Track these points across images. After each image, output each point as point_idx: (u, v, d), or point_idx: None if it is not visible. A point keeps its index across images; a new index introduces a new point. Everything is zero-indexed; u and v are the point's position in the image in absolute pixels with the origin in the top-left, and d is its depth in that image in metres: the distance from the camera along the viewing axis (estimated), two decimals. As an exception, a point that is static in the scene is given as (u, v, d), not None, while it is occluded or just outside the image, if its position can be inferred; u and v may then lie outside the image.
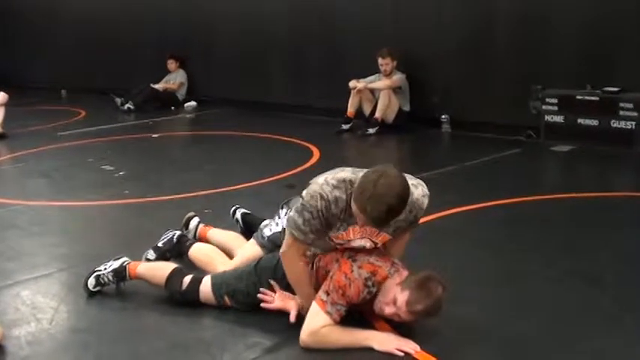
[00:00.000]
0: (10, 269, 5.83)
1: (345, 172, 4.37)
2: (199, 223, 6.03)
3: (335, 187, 4.30)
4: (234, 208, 6.43)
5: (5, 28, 19.81)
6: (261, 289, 4.63)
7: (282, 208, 5.44)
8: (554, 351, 4.25)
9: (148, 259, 5.62)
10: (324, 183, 4.33)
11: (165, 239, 5.75)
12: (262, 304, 4.56)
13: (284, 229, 4.84)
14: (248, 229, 6.09)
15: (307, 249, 4.57)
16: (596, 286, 5.15)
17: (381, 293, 4.35)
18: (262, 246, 5.35)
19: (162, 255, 5.61)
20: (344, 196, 4.30)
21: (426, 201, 4.47)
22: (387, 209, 4.01)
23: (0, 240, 6.66)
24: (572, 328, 4.54)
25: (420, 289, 4.21)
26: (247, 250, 5.39)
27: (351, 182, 4.28)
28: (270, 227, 5.42)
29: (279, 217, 5.37)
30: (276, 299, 4.59)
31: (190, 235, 5.95)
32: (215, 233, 5.91)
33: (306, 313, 4.41)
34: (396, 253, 4.71)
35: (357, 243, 4.52)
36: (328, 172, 4.45)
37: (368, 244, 4.54)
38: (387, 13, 11.83)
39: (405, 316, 4.28)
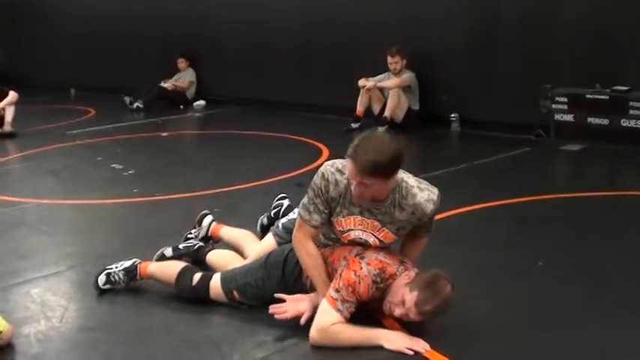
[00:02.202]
0: (20, 267, 5.84)
1: None
2: (212, 221, 6.03)
3: (338, 170, 4.44)
4: (283, 195, 6.39)
5: (15, 27, 19.84)
6: (272, 306, 4.60)
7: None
8: (562, 348, 4.25)
9: (164, 255, 5.62)
10: (330, 165, 4.49)
11: (188, 245, 5.74)
12: (276, 317, 4.53)
13: None
14: (277, 217, 6.07)
15: (317, 234, 4.59)
16: (605, 284, 5.14)
17: (390, 294, 4.35)
18: (276, 234, 5.36)
19: (178, 257, 5.60)
20: (344, 182, 4.40)
21: (430, 206, 4.46)
22: (376, 153, 4.13)
23: (10, 238, 6.68)
24: (580, 326, 4.54)
25: (428, 289, 4.21)
26: (264, 244, 5.39)
27: None
28: (288, 216, 5.45)
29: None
30: (288, 307, 4.56)
31: (203, 232, 5.95)
32: (227, 231, 5.91)
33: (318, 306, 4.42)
34: (410, 255, 4.71)
35: (358, 234, 4.53)
36: (342, 159, 4.49)
37: (371, 239, 4.54)
38: (396, 11, 11.80)
39: (415, 316, 4.28)
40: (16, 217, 7.33)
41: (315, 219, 4.48)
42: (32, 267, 5.86)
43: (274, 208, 6.15)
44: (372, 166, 4.15)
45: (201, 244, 5.76)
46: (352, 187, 4.31)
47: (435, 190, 4.54)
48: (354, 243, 4.57)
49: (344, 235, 4.57)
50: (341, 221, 4.52)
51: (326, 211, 4.49)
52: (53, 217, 7.42)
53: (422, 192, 4.44)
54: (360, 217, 4.48)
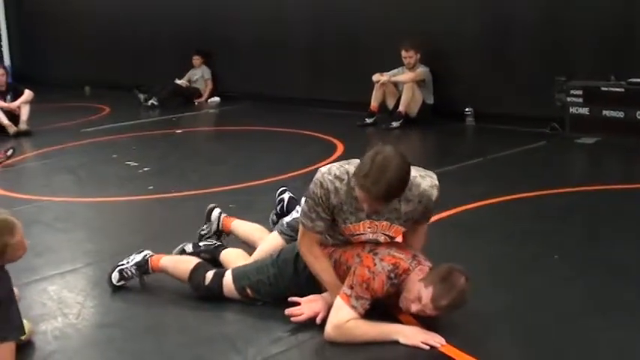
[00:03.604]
0: (37, 265, 5.85)
1: (351, 165, 4.40)
2: (221, 214, 6.03)
3: (337, 177, 4.38)
4: (283, 188, 6.38)
5: (30, 26, 19.90)
6: (288, 309, 4.60)
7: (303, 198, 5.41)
8: (578, 343, 4.24)
9: (184, 250, 5.65)
10: (327, 172, 4.41)
11: (208, 243, 5.75)
12: (292, 319, 4.54)
13: None
14: (283, 213, 6.06)
15: (321, 239, 4.58)
16: (621, 278, 5.13)
17: (405, 290, 4.35)
18: (281, 232, 5.34)
19: (197, 254, 5.60)
20: (345, 188, 4.36)
21: (434, 192, 4.45)
22: (387, 183, 4.06)
23: (26, 236, 6.65)
24: (596, 320, 4.52)
25: (443, 284, 4.21)
26: (268, 241, 5.38)
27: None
28: (292, 215, 5.43)
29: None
30: (303, 309, 4.56)
31: (214, 227, 5.95)
32: (239, 224, 5.90)
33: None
34: (415, 245, 4.71)
35: (369, 237, 4.53)
36: (338, 162, 4.49)
37: (382, 237, 4.54)
38: (410, 5, 11.78)
39: (431, 312, 4.28)
40: (32, 214, 7.35)
41: (318, 225, 4.47)
42: (49, 264, 5.88)
43: (278, 204, 6.14)
44: (385, 194, 4.14)
45: (220, 243, 5.78)
46: (364, 205, 4.27)
47: (434, 175, 4.55)
48: (365, 241, 4.57)
49: (354, 237, 4.57)
50: (350, 227, 4.50)
51: (329, 217, 4.47)
52: (69, 215, 7.44)
53: (424, 180, 4.44)
54: (368, 221, 4.47)
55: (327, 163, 4.66)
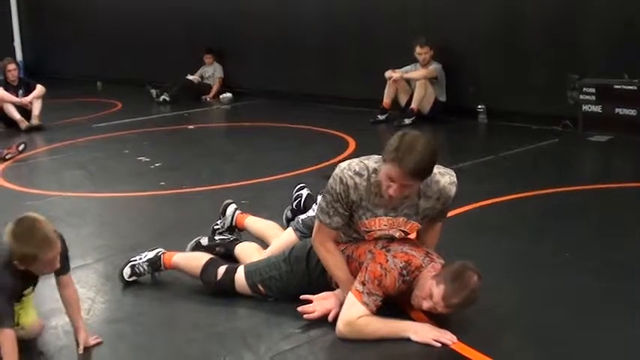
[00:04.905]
0: (48, 260, 5.85)
1: (371, 161, 4.41)
2: (236, 209, 6.03)
3: (357, 173, 4.36)
4: (301, 185, 6.34)
5: (42, 21, 19.95)
6: (300, 307, 4.60)
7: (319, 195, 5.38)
8: (588, 341, 4.23)
9: (200, 243, 5.66)
10: (347, 168, 4.38)
11: (223, 237, 5.77)
12: (305, 317, 4.54)
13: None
14: (300, 210, 6.06)
15: (337, 235, 4.57)
16: (633, 277, 5.10)
17: (417, 287, 4.34)
18: (296, 229, 5.33)
19: (212, 247, 5.62)
20: (364, 184, 4.35)
21: (453, 189, 4.45)
22: (419, 154, 4.08)
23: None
24: (607, 318, 4.50)
25: (455, 282, 4.19)
26: (283, 238, 5.38)
27: (375, 171, 4.33)
28: (308, 213, 5.42)
29: (316, 204, 5.33)
30: (315, 306, 4.56)
31: (227, 223, 5.95)
32: (253, 221, 5.90)
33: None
34: (429, 242, 4.71)
35: (385, 232, 4.51)
36: (357, 158, 4.47)
37: (397, 233, 4.53)
38: (422, 2, 11.76)
39: (443, 309, 4.26)
40: (44, 209, 7.31)
41: (336, 221, 4.45)
42: (60, 259, 5.88)
43: (295, 200, 6.13)
44: (417, 169, 4.12)
45: (235, 237, 5.78)
46: (389, 190, 4.23)
47: (453, 172, 4.54)
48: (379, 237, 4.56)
49: (369, 234, 4.56)
50: (365, 223, 4.49)
51: (347, 213, 4.46)
52: (80, 210, 7.45)
53: (443, 177, 4.44)
54: (385, 218, 4.46)
55: (339, 160, 4.66)
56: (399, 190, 4.22)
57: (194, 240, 5.70)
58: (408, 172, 4.11)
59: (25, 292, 4.37)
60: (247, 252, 5.42)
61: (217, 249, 5.57)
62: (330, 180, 4.42)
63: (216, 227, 5.97)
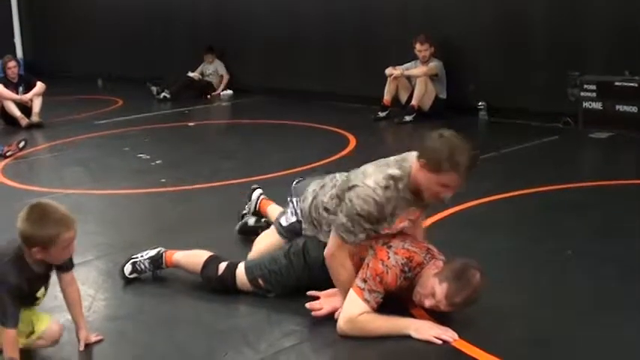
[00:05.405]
0: (48, 257, 5.85)
1: (391, 168, 4.39)
2: (261, 195, 6.10)
3: (385, 187, 4.33)
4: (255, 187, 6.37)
5: (42, 18, 19.94)
6: (308, 303, 4.60)
7: (291, 197, 5.30)
8: (590, 339, 4.23)
9: (247, 223, 5.91)
10: (375, 186, 4.32)
11: (266, 219, 5.89)
12: (313, 314, 4.53)
13: (299, 221, 4.98)
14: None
15: (355, 248, 4.52)
16: (634, 274, 5.10)
17: (419, 284, 4.34)
18: (280, 234, 5.26)
19: (256, 229, 5.77)
20: (394, 194, 4.34)
21: None
22: (468, 152, 4.18)
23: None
24: (609, 316, 4.50)
25: (458, 280, 4.20)
26: (267, 237, 5.34)
27: (397, 178, 4.33)
28: (285, 217, 5.25)
29: (293, 207, 5.20)
30: (322, 304, 4.56)
31: (252, 206, 6.04)
32: (274, 210, 5.87)
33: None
34: (419, 234, 4.76)
35: (400, 226, 4.52)
36: (373, 168, 4.45)
37: (407, 223, 4.55)
38: (423, -1, 11.79)
39: (446, 308, 4.27)
40: (44, 207, 7.35)
41: (360, 238, 4.40)
42: (60, 256, 5.87)
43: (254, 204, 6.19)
44: (472, 165, 4.20)
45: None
46: (442, 194, 4.28)
47: None
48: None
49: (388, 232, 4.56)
50: (388, 227, 4.47)
51: (373, 227, 4.42)
52: (81, 207, 7.41)
53: None
54: (404, 214, 4.48)
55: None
56: (450, 193, 4.29)
57: (242, 222, 5.95)
58: (466, 173, 4.19)
59: (38, 293, 4.30)
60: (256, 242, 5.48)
61: (259, 230, 5.69)
62: (358, 201, 4.31)
63: (243, 212, 6.07)
